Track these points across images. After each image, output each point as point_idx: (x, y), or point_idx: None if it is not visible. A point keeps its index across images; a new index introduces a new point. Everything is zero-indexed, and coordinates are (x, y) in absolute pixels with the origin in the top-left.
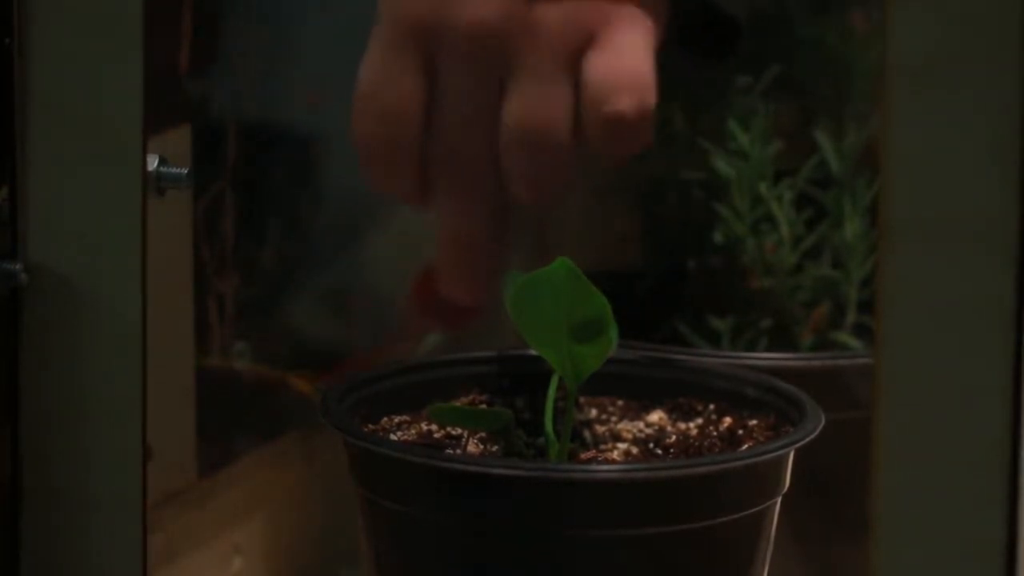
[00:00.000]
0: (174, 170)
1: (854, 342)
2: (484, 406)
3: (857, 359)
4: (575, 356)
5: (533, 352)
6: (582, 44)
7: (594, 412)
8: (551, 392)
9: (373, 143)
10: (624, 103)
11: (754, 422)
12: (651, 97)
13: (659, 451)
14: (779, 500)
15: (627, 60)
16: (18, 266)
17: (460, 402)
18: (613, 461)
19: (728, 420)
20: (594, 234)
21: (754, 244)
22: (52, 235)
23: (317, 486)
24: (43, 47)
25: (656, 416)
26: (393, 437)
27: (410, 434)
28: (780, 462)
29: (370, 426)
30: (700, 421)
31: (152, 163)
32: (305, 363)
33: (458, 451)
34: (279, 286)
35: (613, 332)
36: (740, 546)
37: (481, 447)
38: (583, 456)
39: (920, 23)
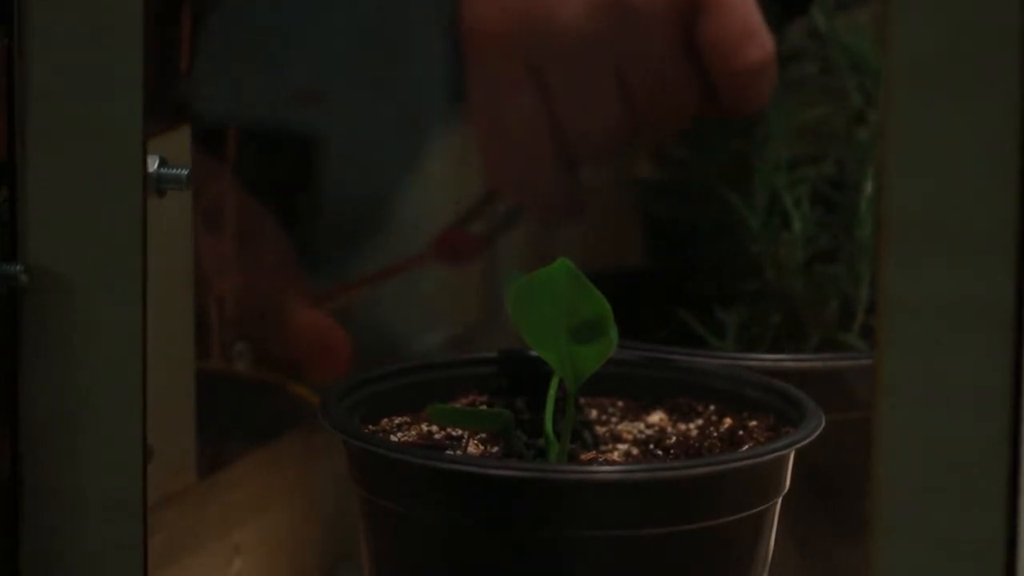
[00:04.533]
0: (174, 171)
1: (860, 343)
2: (484, 407)
3: (859, 360)
4: (575, 357)
5: (533, 353)
6: (682, 18)
7: (594, 413)
8: (551, 393)
9: (509, 161)
10: (751, 55)
11: (754, 423)
12: (770, 42)
13: (659, 452)
14: (779, 501)
15: (738, 12)
16: (18, 267)
17: (460, 403)
18: (613, 462)
19: (728, 421)
20: (604, 227)
21: (766, 239)
22: (52, 236)
23: (317, 487)
24: (43, 47)
25: (656, 417)
26: (393, 438)
27: (410, 435)
28: (780, 463)
29: (370, 427)
30: (700, 422)
31: (152, 164)
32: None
33: (458, 452)
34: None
35: (613, 333)
36: (741, 547)
37: (481, 448)
38: (583, 457)
39: (920, 24)
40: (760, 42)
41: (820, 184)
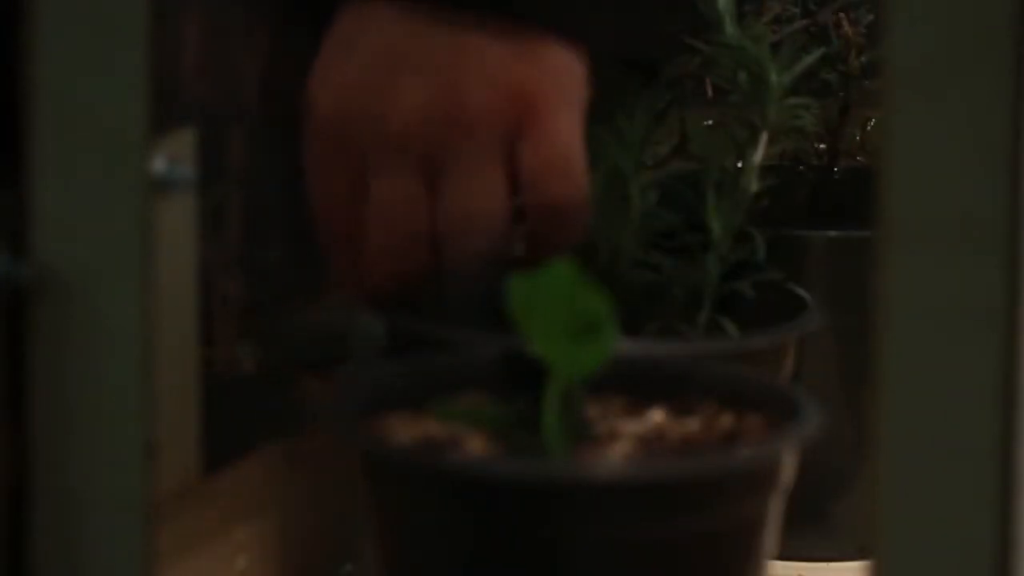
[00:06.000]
0: (178, 171)
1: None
2: (486, 406)
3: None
4: (575, 355)
5: (534, 351)
6: (512, 133)
7: (595, 411)
8: (552, 391)
9: (332, 248)
10: (562, 191)
11: (753, 420)
12: (582, 179)
13: (659, 449)
14: (778, 497)
15: (559, 148)
16: (23, 266)
17: (462, 402)
18: (614, 460)
19: (727, 418)
20: None
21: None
22: (57, 236)
23: (320, 485)
24: (48, 49)
25: (656, 415)
26: (394, 437)
27: (412, 434)
28: (779, 460)
29: (372, 426)
30: (700, 419)
31: (157, 164)
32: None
33: (460, 451)
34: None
35: (613, 331)
36: (740, 543)
37: (483, 446)
38: (584, 455)
39: (917, 25)
40: (572, 182)
41: (674, 181)
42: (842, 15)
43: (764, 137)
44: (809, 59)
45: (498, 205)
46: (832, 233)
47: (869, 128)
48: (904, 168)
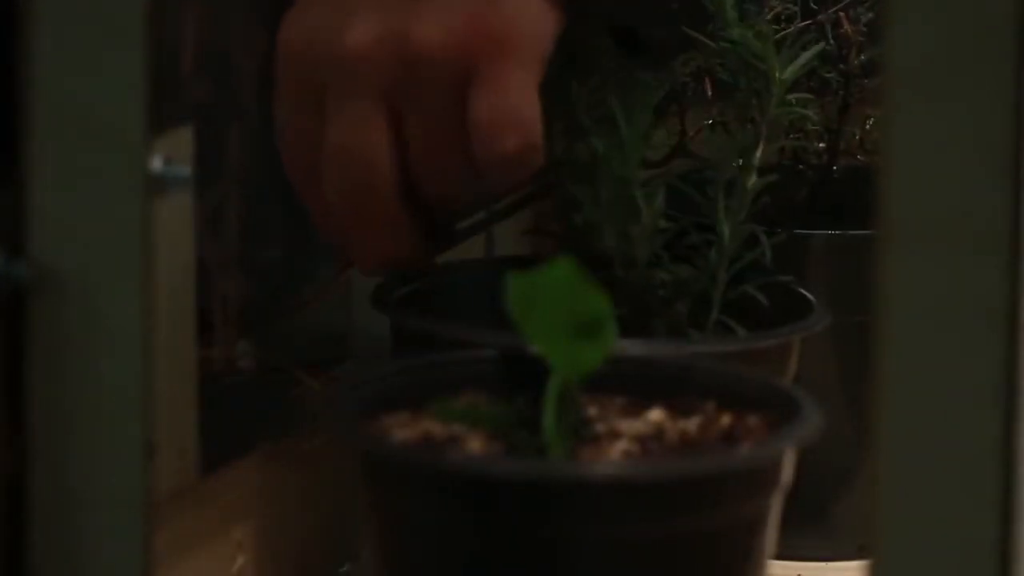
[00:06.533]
0: (177, 170)
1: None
2: (485, 405)
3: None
4: (575, 354)
5: (534, 350)
6: (464, 78)
7: (594, 410)
8: (551, 391)
9: (297, 182)
10: (510, 144)
11: (753, 420)
12: (536, 133)
13: (659, 449)
14: (778, 497)
15: (511, 98)
16: (22, 266)
17: (461, 401)
18: (613, 459)
19: (727, 418)
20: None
21: (614, 232)
22: (56, 235)
23: (319, 484)
24: (47, 48)
25: (656, 414)
26: (394, 436)
27: (411, 433)
28: (779, 459)
29: (371, 425)
30: (699, 419)
31: (155, 163)
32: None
33: (459, 450)
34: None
35: (613, 330)
36: (740, 543)
37: (483, 446)
38: (584, 454)
39: (918, 25)
40: (523, 135)
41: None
42: (842, 14)
43: (764, 134)
44: (810, 54)
45: (452, 147)
46: (832, 232)
47: (869, 127)
48: (904, 168)
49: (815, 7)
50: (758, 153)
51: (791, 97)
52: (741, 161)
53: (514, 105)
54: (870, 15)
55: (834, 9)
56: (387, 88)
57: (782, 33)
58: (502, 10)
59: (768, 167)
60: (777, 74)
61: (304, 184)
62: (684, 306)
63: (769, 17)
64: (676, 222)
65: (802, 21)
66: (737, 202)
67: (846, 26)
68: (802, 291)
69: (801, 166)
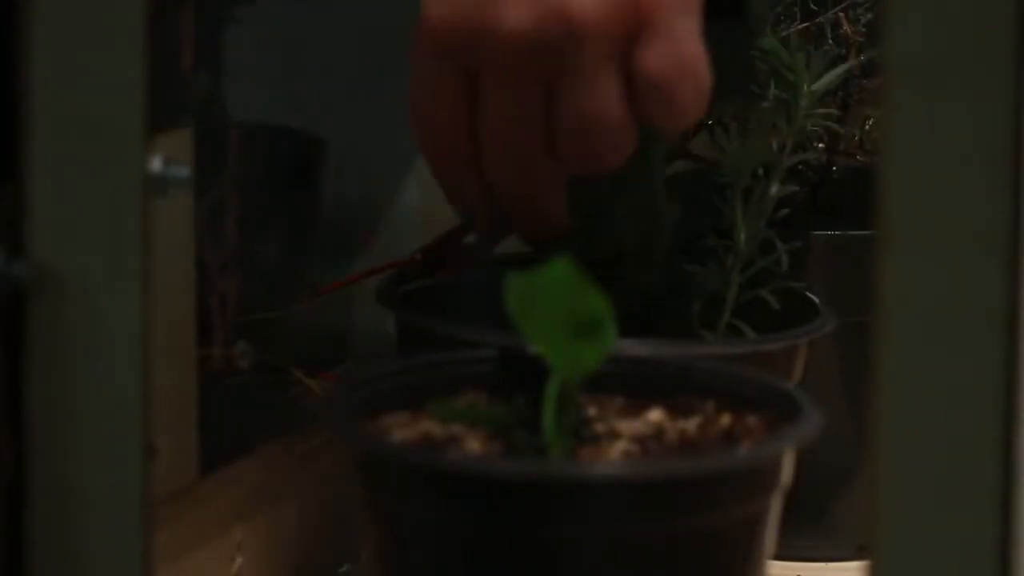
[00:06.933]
0: (176, 170)
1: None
2: (485, 404)
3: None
4: (575, 354)
5: (533, 350)
6: (631, 33)
7: (594, 410)
8: (551, 391)
9: (437, 162)
10: (684, 95)
11: (752, 420)
12: (706, 82)
13: (659, 449)
14: (777, 497)
15: (680, 48)
16: (22, 266)
17: (460, 401)
18: (613, 460)
19: (727, 418)
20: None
21: (633, 231)
22: (55, 235)
23: (318, 484)
24: (46, 48)
25: (655, 414)
26: (393, 436)
27: (411, 433)
28: (779, 460)
29: (370, 425)
30: (699, 419)
31: (154, 164)
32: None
33: (459, 450)
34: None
35: (612, 330)
36: (740, 543)
37: (482, 446)
38: (583, 454)
39: (918, 24)
40: (695, 85)
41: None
42: (841, 15)
43: (790, 145)
44: (841, 70)
45: (616, 114)
46: (832, 233)
47: (868, 127)
48: (904, 168)
49: (815, 8)
50: (783, 162)
51: (818, 111)
52: (763, 171)
53: (684, 56)
54: (870, 15)
55: (834, 10)
56: (549, 66)
57: (783, 34)
58: None
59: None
60: (806, 86)
61: (445, 161)
62: (696, 307)
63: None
64: (691, 224)
65: (802, 22)
66: (756, 208)
67: (846, 26)
68: (808, 294)
69: (801, 167)
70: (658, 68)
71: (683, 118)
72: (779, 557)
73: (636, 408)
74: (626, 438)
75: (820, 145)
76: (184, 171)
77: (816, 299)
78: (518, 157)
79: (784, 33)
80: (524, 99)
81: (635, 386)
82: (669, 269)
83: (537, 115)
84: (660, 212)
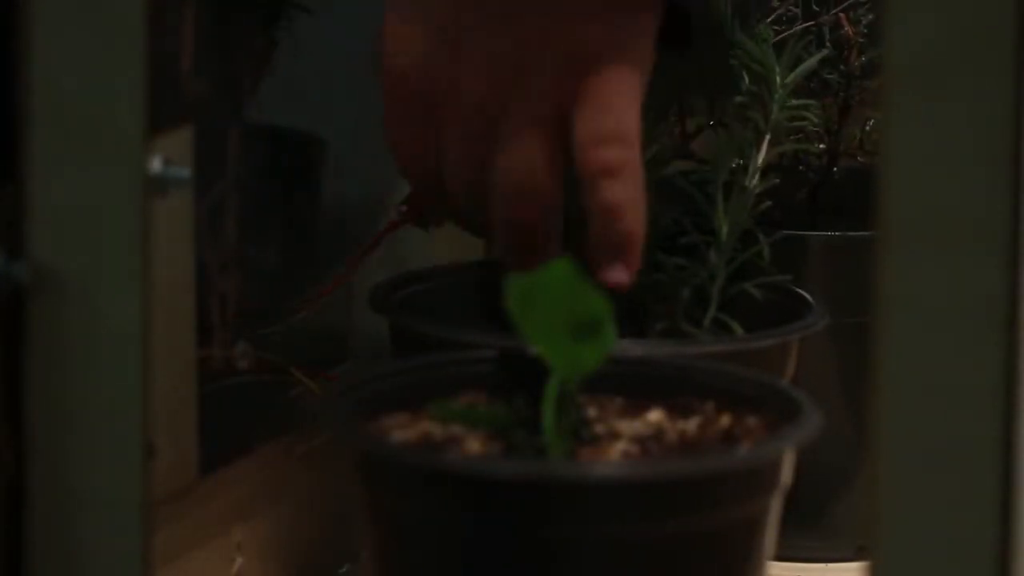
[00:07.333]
0: (176, 171)
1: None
2: (484, 405)
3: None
4: (574, 355)
5: (533, 351)
6: (571, 100)
7: (593, 411)
8: (551, 391)
9: (411, 177)
10: (607, 158)
11: (752, 420)
12: (636, 153)
13: (658, 450)
14: (777, 497)
15: (610, 115)
16: (22, 266)
17: (460, 401)
18: (613, 460)
19: (726, 418)
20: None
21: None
22: (55, 235)
23: (318, 485)
24: (46, 48)
25: (655, 415)
26: (393, 437)
27: (410, 434)
28: (779, 460)
29: (370, 426)
30: (699, 419)
31: (154, 164)
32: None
33: (458, 451)
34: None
35: (612, 331)
36: (740, 543)
37: (481, 447)
38: (583, 455)
39: (917, 25)
40: (623, 154)
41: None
42: (842, 16)
43: (767, 138)
44: (812, 61)
45: (547, 173)
46: (832, 233)
47: (869, 128)
48: (904, 168)
49: (816, 8)
50: (760, 155)
51: (793, 103)
52: (741, 162)
53: (617, 125)
54: (870, 16)
55: (835, 11)
56: (500, 112)
57: (783, 34)
58: (608, 22)
59: (769, 168)
60: (778, 79)
61: (416, 177)
62: (681, 304)
63: (771, 19)
64: (675, 221)
65: (803, 23)
66: (737, 202)
67: (846, 27)
68: (801, 291)
69: (802, 167)
70: (584, 135)
71: (605, 181)
72: (779, 558)
73: (636, 408)
74: (626, 439)
75: (821, 146)
76: (184, 171)
77: (809, 296)
78: (479, 195)
79: (785, 33)
80: (475, 148)
81: (635, 386)
82: (652, 267)
83: (480, 159)
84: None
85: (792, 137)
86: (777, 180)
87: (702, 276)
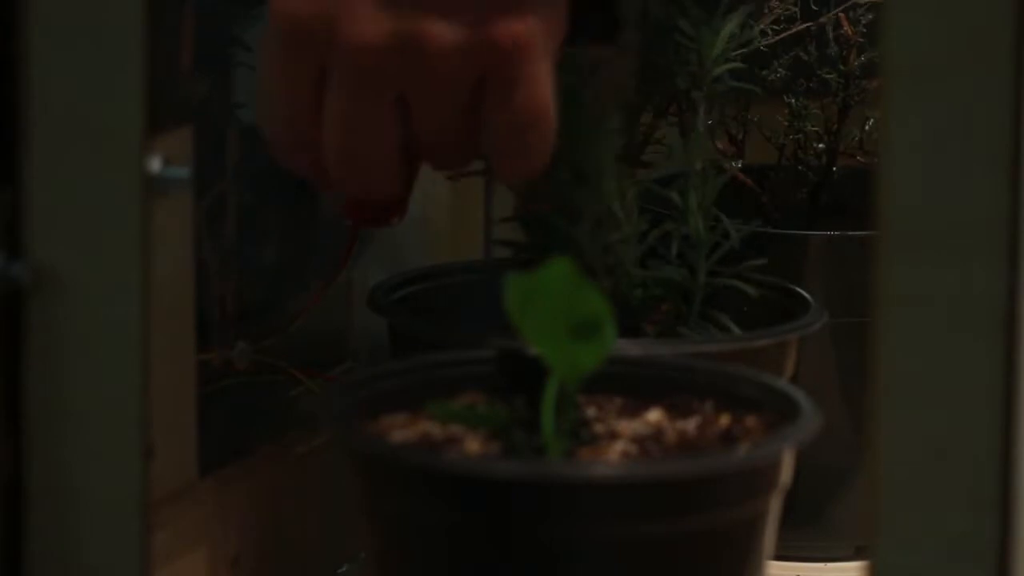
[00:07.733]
0: (175, 171)
1: (696, 336)
2: (483, 405)
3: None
4: (574, 355)
5: (532, 351)
6: (479, 80)
7: (592, 411)
8: (550, 391)
9: (276, 140)
10: (525, 145)
11: (751, 420)
12: (550, 133)
13: (658, 450)
14: (777, 497)
15: (527, 103)
16: (22, 266)
17: (459, 401)
18: (612, 460)
19: (725, 418)
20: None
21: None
22: (55, 236)
23: (318, 485)
24: (45, 48)
25: (654, 414)
26: (392, 437)
27: (410, 434)
28: (778, 460)
29: (369, 426)
30: (698, 419)
31: (154, 164)
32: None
33: (458, 451)
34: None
35: (611, 331)
36: (740, 543)
37: (481, 447)
38: (582, 455)
39: (917, 25)
40: (538, 136)
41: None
42: (842, 16)
43: (703, 110)
44: (733, 23)
45: (460, 141)
46: (832, 233)
47: (869, 128)
48: (903, 168)
49: (816, 8)
50: (703, 120)
51: (721, 68)
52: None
53: (531, 109)
54: (870, 16)
55: (835, 11)
56: (395, 81)
57: (783, 35)
58: (517, 7)
59: (767, 167)
60: (706, 50)
61: (282, 138)
62: (671, 305)
63: (770, 20)
64: (657, 224)
65: (803, 22)
66: (702, 193)
67: (846, 27)
68: (800, 291)
69: (801, 167)
70: (500, 117)
71: (526, 168)
72: (778, 557)
73: (635, 409)
74: (625, 439)
75: (820, 145)
76: (184, 171)
77: (808, 296)
78: (355, 155)
79: (785, 33)
80: (367, 106)
81: (634, 386)
82: (635, 271)
83: (379, 127)
84: (618, 217)
85: (792, 136)
86: (738, 166)
87: (682, 275)
